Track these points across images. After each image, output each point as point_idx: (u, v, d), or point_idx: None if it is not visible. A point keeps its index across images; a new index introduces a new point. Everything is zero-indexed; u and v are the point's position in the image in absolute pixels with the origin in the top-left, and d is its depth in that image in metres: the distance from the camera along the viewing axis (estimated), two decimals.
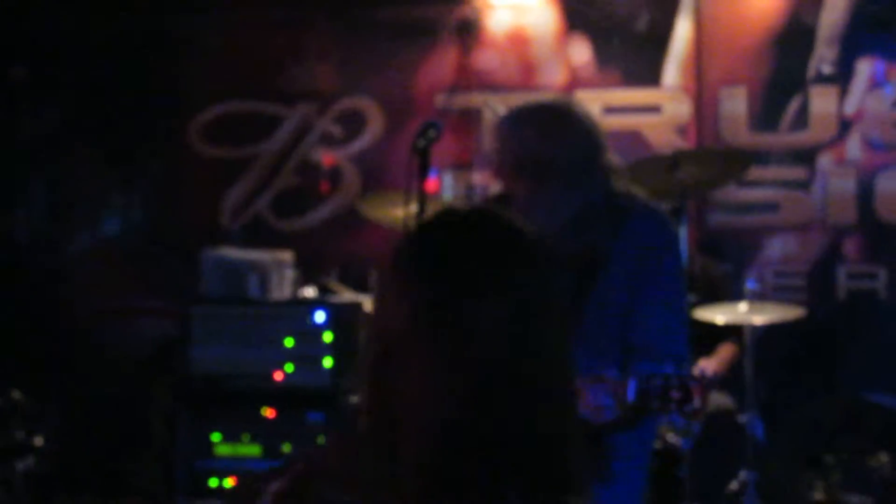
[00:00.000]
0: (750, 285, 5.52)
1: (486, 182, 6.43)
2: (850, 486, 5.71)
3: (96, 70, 7.19)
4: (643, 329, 3.30)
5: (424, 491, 1.55)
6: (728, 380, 5.61)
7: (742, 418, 5.44)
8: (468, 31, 6.84)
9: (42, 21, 7.18)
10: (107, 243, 7.22)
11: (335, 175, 6.98)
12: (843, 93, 6.44)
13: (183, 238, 6.88)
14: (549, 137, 3.33)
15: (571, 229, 3.30)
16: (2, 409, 5.86)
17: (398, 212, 5.33)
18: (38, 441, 5.85)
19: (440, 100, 6.80)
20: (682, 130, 6.60)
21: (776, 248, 6.52)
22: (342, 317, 5.66)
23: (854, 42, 6.44)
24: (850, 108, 6.44)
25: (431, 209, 1.78)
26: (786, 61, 6.50)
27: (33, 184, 7.30)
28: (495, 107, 6.10)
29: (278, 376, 5.62)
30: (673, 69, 6.62)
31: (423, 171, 3.54)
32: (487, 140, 3.40)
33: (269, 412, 5.63)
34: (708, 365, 5.52)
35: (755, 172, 6.07)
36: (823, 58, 6.47)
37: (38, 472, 5.84)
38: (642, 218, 3.38)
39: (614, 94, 6.67)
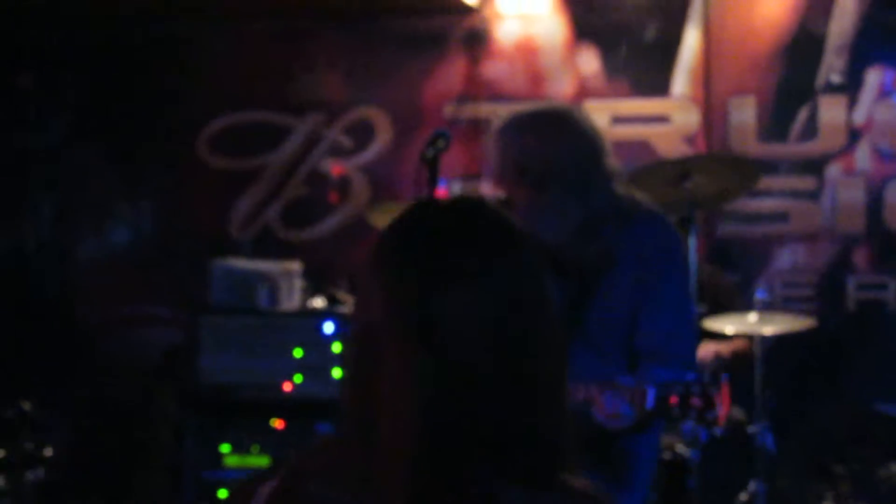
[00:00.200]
0: (759, 295, 5.51)
1: (495, 192, 6.41)
2: (859, 497, 5.70)
3: (103, 79, 7.21)
4: (650, 333, 3.30)
5: (407, 489, 1.54)
6: (736, 386, 5.59)
7: (751, 429, 5.42)
8: (477, 41, 6.84)
9: (48, 30, 7.19)
10: (115, 253, 7.23)
11: (344, 185, 6.98)
12: (853, 102, 6.44)
13: (192, 248, 6.89)
14: (550, 143, 3.33)
15: (576, 234, 3.30)
16: (11, 419, 5.86)
17: None
18: (47, 451, 5.84)
19: (449, 110, 6.80)
20: (690, 140, 6.60)
21: (785, 257, 6.51)
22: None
23: (863, 51, 6.44)
24: (859, 117, 6.43)
25: (409, 204, 1.76)
26: (794, 71, 6.50)
27: (40, 193, 7.30)
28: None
29: (287, 387, 5.62)
30: (681, 79, 6.62)
31: (433, 180, 3.54)
32: (487, 147, 3.40)
33: (277, 423, 5.63)
34: (718, 349, 5.51)
35: (764, 182, 6.05)
36: (832, 67, 6.47)
37: (48, 482, 5.84)
38: (647, 222, 3.38)
39: (623, 103, 6.67)
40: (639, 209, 3.39)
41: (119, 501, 6.46)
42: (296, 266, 6.06)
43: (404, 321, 1.57)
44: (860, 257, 6.42)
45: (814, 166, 6.48)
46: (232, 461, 5.65)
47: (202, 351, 5.69)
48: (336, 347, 5.59)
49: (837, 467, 5.74)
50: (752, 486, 5.39)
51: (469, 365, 1.56)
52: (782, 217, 6.51)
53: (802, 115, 6.48)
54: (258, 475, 1.68)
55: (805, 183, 6.49)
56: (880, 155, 6.43)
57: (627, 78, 6.68)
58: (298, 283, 6.04)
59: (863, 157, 6.43)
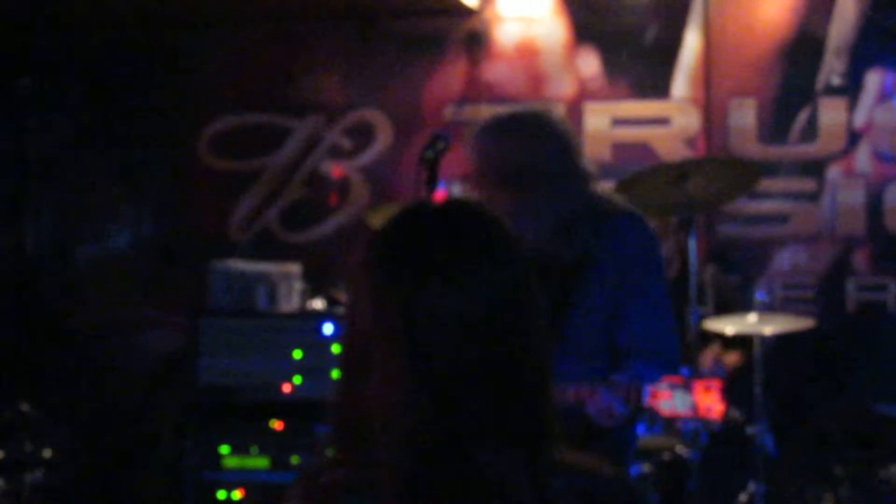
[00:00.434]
0: (759, 296, 5.52)
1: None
2: (859, 499, 5.69)
3: (104, 82, 7.21)
4: (634, 332, 3.34)
5: (411, 483, 1.55)
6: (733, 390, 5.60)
7: (751, 430, 5.42)
8: (477, 42, 6.84)
9: (49, 33, 7.19)
10: (115, 255, 7.23)
11: (344, 187, 6.98)
12: (853, 104, 6.43)
13: (192, 250, 6.89)
14: (529, 146, 3.39)
15: (554, 236, 3.33)
16: (10, 421, 5.87)
17: None
18: (47, 453, 5.85)
19: (449, 112, 6.80)
20: (690, 142, 6.59)
21: (785, 259, 6.51)
22: None
23: (863, 53, 6.43)
24: (859, 119, 6.43)
25: (398, 206, 1.77)
26: (795, 73, 6.50)
27: (41, 196, 7.30)
28: None
29: (286, 388, 5.62)
30: (682, 81, 6.62)
31: (432, 182, 3.54)
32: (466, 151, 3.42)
33: (277, 424, 5.63)
34: (717, 355, 5.53)
35: (764, 184, 6.05)
36: (833, 69, 6.47)
37: (47, 484, 5.84)
38: (623, 221, 3.43)
39: (623, 105, 6.67)
40: (616, 209, 3.43)
41: (118, 503, 6.46)
42: (295, 268, 6.07)
43: (391, 321, 1.58)
44: (860, 259, 6.42)
45: (814, 168, 6.48)
46: (231, 462, 5.65)
47: (202, 352, 5.70)
48: (335, 349, 5.59)
49: (837, 468, 5.74)
50: (752, 486, 5.39)
51: (456, 361, 1.57)
52: (782, 219, 6.51)
53: (802, 117, 6.48)
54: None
55: (805, 185, 6.49)
56: (880, 157, 6.43)
57: (628, 80, 6.68)
58: (298, 285, 6.04)
59: (863, 159, 6.43)
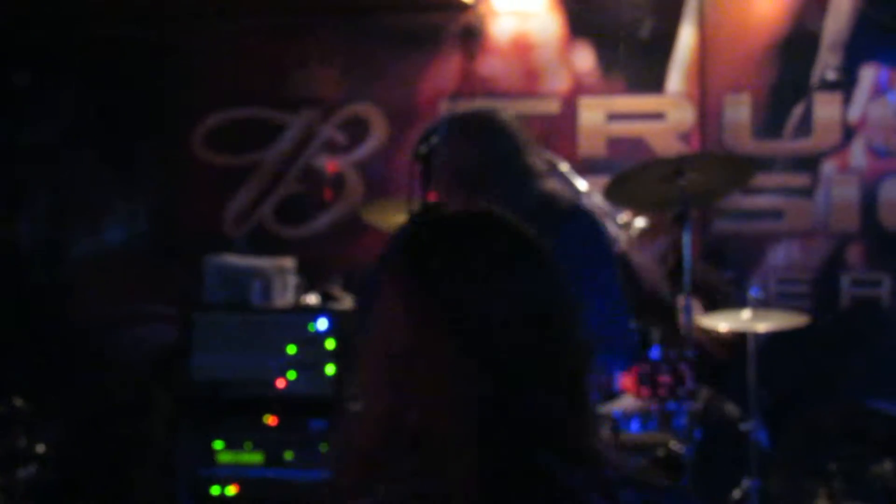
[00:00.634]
0: (753, 293, 5.51)
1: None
2: (853, 495, 5.69)
3: (98, 77, 7.20)
4: (591, 322, 3.36)
5: (475, 483, 1.55)
6: (730, 387, 5.60)
7: (745, 426, 5.42)
8: (472, 37, 6.83)
9: (44, 28, 7.18)
10: (109, 250, 7.22)
11: (338, 182, 6.98)
12: (847, 100, 6.43)
13: (186, 245, 6.89)
14: (481, 146, 3.41)
15: None
16: (3, 416, 5.86)
17: (401, 219, 5.32)
18: (40, 448, 5.84)
19: (444, 106, 6.80)
20: (685, 137, 6.59)
21: (780, 255, 6.51)
22: (345, 324, 5.66)
23: (858, 49, 6.43)
24: (853, 114, 6.43)
25: (414, 213, 1.78)
26: (790, 68, 6.49)
27: (35, 191, 7.30)
28: None
29: (280, 383, 5.62)
30: (677, 76, 6.61)
31: (426, 177, 3.55)
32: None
33: (271, 419, 5.63)
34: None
35: (759, 179, 6.04)
36: (827, 64, 6.46)
37: (40, 479, 5.84)
38: (572, 216, 3.51)
39: (618, 100, 6.66)
40: (564, 205, 3.47)
41: (112, 498, 6.45)
42: (289, 263, 6.06)
43: (446, 333, 1.60)
44: (854, 254, 6.42)
45: (808, 163, 6.48)
46: (225, 458, 5.64)
47: (195, 347, 5.69)
48: (329, 344, 5.59)
49: (831, 464, 5.74)
50: (746, 483, 5.39)
51: (509, 362, 1.60)
52: (777, 214, 6.51)
53: (797, 112, 6.48)
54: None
55: (799, 180, 6.49)
56: (875, 152, 6.42)
57: (622, 75, 6.67)
58: (292, 280, 6.04)
59: (857, 154, 6.43)
